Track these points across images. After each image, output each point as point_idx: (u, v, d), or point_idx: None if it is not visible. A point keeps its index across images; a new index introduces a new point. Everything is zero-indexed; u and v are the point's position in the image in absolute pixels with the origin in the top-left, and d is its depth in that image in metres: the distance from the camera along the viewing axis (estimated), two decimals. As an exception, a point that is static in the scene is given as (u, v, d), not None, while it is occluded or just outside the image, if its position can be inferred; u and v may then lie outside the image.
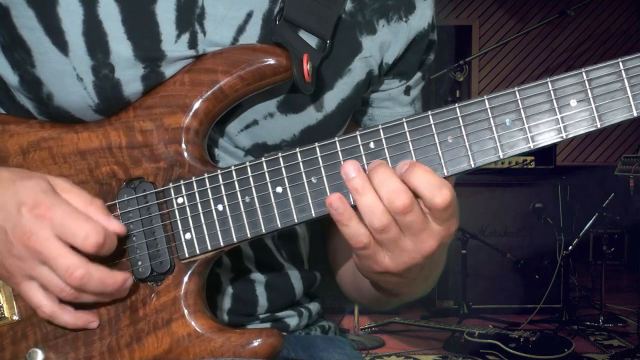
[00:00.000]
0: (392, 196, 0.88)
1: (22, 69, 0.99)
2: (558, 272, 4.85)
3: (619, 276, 6.38)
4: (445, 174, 0.92)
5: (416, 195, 0.89)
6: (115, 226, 0.94)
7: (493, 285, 5.06)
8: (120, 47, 0.96)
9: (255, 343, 0.95)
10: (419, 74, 1.18)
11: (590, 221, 4.89)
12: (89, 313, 0.97)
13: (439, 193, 0.87)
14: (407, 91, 1.18)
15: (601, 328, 4.79)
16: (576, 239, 4.92)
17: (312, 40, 1.03)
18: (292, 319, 1.20)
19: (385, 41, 1.10)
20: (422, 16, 1.13)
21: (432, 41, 1.17)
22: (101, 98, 0.98)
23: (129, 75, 0.97)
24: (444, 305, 5.08)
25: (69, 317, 0.96)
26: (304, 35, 1.02)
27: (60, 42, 0.96)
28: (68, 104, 0.99)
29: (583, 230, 4.93)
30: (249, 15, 1.01)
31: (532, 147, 0.90)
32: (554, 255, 4.91)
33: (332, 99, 1.08)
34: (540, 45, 7.89)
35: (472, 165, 0.92)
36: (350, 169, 0.89)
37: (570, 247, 4.88)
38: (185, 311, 0.97)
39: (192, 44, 0.99)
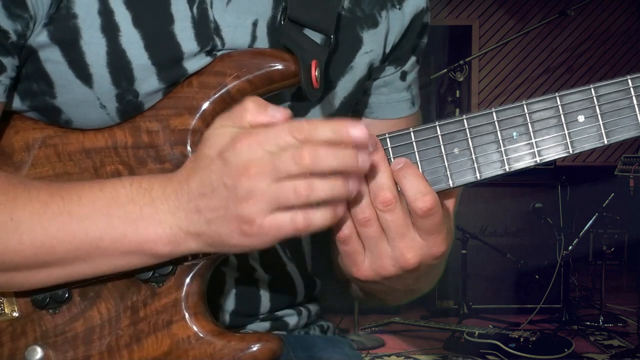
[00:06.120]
0: (377, 190, 0.88)
1: (38, 99, 0.98)
2: (558, 272, 4.86)
3: (619, 276, 6.39)
4: (451, 185, 0.92)
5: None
6: None
7: (493, 285, 5.06)
8: (144, 73, 0.96)
9: (255, 347, 0.95)
10: (413, 58, 1.19)
11: (590, 221, 4.90)
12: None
13: (421, 198, 0.87)
14: (403, 76, 1.18)
15: (601, 328, 4.80)
16: (576, 239, 4.92)
17: (316, 38, 1.03)
18: (291, 318, 1.20)
19: (387, 31, 1.11)
20: (415, 1, 1.13)
21: (425, 24, 1.17)
22: (123, 118, 0.98)
23: (153, 94, 0.97)
24: (444, 305, 5.08)
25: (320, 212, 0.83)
26: (308, 33, 1.02)
27: (84, 75, 0.95)
28: (87, 126, 0.99)
29: (583, 230, 4.94)
30: (255, 25, 1.01)
31: (538, 161, 0.90)
32: (554, 255, 4.91)
33: (335, 98, 1.09)
34: (540, 45, 7.88)
35: (478, 178, 0.92)
36: None
37: (570, 247, 4.88)
38: (186, 313, 0.97)
39: (211, 54, 0.98)
